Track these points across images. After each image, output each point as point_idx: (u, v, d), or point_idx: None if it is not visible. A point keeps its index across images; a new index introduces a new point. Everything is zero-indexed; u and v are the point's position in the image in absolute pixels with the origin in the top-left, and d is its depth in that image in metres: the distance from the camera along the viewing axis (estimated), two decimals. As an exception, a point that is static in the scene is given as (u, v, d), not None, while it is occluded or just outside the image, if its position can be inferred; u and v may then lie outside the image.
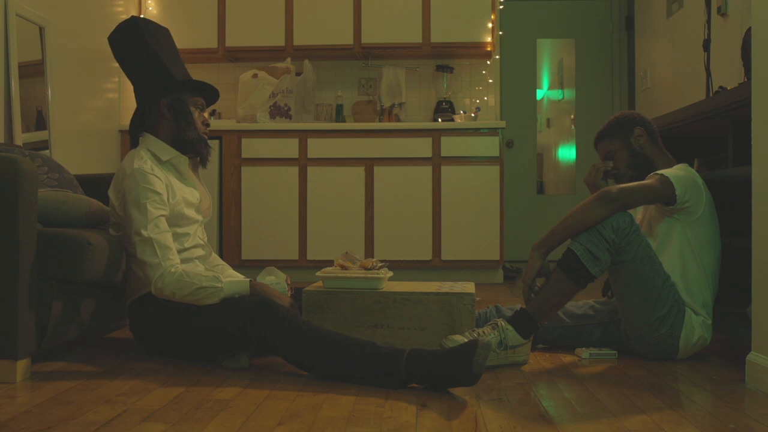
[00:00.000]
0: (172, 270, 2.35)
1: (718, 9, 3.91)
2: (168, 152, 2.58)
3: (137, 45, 2.57)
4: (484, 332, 2.39)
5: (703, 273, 2.49)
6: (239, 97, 5.06)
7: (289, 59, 5.10)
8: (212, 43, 5.09)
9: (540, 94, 6.29)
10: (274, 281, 2.63)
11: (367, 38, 5.08)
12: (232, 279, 2.43)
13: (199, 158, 2.66)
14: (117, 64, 4.74)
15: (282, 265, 4.80)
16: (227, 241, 4.80)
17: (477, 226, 4.76)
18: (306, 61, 5.14)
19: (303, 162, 4.82)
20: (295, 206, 4.80)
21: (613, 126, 2.71)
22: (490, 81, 5.40)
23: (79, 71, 4.29)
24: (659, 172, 2.50)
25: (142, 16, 5.04)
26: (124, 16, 4.89)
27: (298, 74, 5.14)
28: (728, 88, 2.76)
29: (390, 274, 2.71)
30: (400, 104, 5.26)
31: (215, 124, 4.92)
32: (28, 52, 3.64)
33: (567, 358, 2.57)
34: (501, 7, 5.31)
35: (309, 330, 2.25)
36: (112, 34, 2.63)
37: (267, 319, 2.27)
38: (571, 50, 6.20)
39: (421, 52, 5.19)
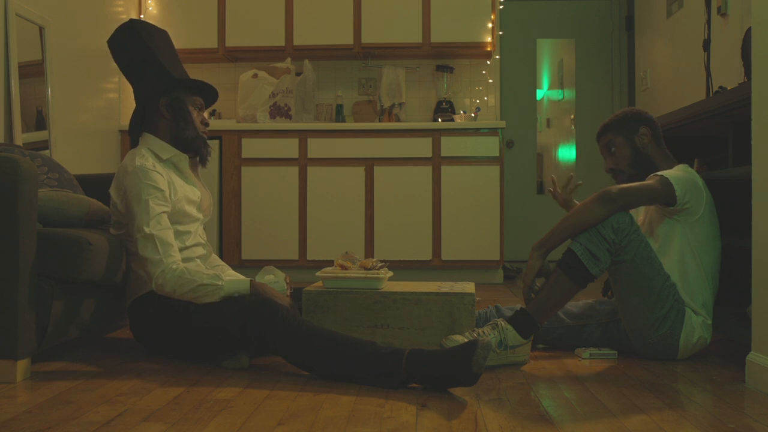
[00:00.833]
0: (174, 267, 2.36)
1: (718, 9, 3.91)
2: (168, 151, 2.59)
3: (135, 46, 2.59)
4: (484, 332, 2.39)
5: (703, 273, 2.49)
6: (239, 97, 5.06)
7: (289, 59, 5.10)
8: (212, 43, 5.09)
9: (540, 94, 6.29)
10: (273, 280, 2.63)
11: (367, 38, 5.08)
12: (232, 278, 2.44)
13: (198, 157, 2.67)
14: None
15: (282, 265, 4.79)
16: (227, 241, 4.80)
17: (477, 226, 4.76)
18: (306, 61, 5.14)
19: (303, 162, 4.82)
20: (295, 206, 4.80)
21: (619, 121, 2.71)
22: (490, 81, 5.40)
23: (79, 71, 4.29)
24: (659, 173, 2.50)
25: (141, 17, 5.06)
26: (125, 17, 4.90)
27: (298, 74, 5.14)
28: (728, 88, 2.76)
29: (390, 274, 2.71)
30: (400, 104, 5.26)
31: (215, 124, 4.92)
32: (28, 52, 3.64)
33: (567, 358, 2.57)
34: (501, 7, 5.30)
35: (309, 330, 2.26)
36: (111, 37, 2.64)
37: (267, 318, 2.27)
38: (571, 50, 6.20)
39: (421, 52, 5.19)
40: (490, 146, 4.77)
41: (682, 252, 2.49)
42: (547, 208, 6.05)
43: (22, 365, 2.22)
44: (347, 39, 5.09)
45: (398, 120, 5.22)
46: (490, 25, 5.05)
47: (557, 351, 2.68)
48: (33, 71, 3.70)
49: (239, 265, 4.73)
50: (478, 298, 2.66)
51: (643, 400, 2.03)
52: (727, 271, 2.62)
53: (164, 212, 2.45)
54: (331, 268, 2.70)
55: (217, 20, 5.11)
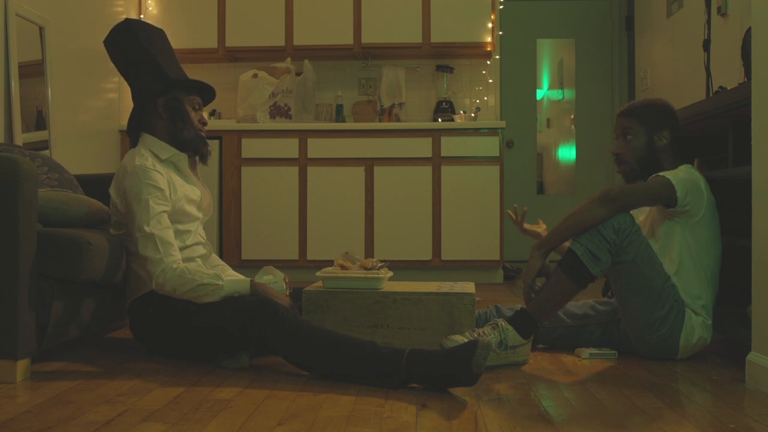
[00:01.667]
0: (174, 266, 2.36)
1: (718, 9, 3.91)
2: (167, 151, 2.59)
3: (131, 46, 2.59)
4: (484, 332, 2.39)
5: (703, 274, 2.49)
6: (239, 97, 5.06)
7: (289, 59, 5.10)
8: (212, 43, 5.09)
9: (540, 94, 6.29)
10: (272, 280, 2.63)
11: (367, 38, 5.08)
12: (233, 278, 2.44)
13: (198, 157, 2.67)
14: (117, 65, 4.77)
15: (282, 265, 4.78)
16: (227, 241, 4.80)
17: (477, 226, 4.76)
18: (306, 61, 5.14)
19: (303, 162, 4.82)
20: (295, 206, 4.80)
21: (649, 112, 2.65)
22: (490, 81, 5.40)
23: (79, 71, 4.29)
24: (661, 173, 2.50)
25: (141, 17, 5.06)
26: (125, 17, 4.88)
27: (298, 74, 5.14)
28: (728, 88, 2.76)
29: (390, 274, 2.71)
30: (400, 104, 5.26)
31: (215, 124, 4.92)
32: (28, 52, 3.64)
33: (567, 358, 2.57)
34: (501, 7, 5.30)
35: (309, 330, 2.26)
36: (107, 36, 2.64)
37: (267, 318, 2.27)
38: (571, 50, 6.20)
39: (421, 52, 5.19)
40: (490, 146, 4.77)
41: (681, 253, 2.49)
42: (547, 208, 6.05)
43: (22, 365, 2.22)
44: (347, 39, 5.09)
45: (398, 120, 5.22)
46: (490, 25, 5.05)
47: (557, 351, 2.67)
48: (33, 71, 3.70)
49: (239, 265, 4.73)
50: (478, 298, 2.66)
51: (643, 400, 2.03)
52: (727, 271, 2.62)
53: (164, 211, 2.45)
54: (331, 268, 2.70)
55: (217, 20, 5.11)
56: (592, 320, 2.66)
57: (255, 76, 5.01)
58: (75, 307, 2.43)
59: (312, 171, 4.82)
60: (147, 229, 2.39)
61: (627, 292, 2.47)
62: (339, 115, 5.27)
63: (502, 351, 2.39)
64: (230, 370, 2.36)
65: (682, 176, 2.48)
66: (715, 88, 3.13)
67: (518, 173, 6.11)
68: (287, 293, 2.62)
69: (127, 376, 2.28)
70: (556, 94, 6.32)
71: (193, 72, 4.89)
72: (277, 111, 5.03)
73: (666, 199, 2.45)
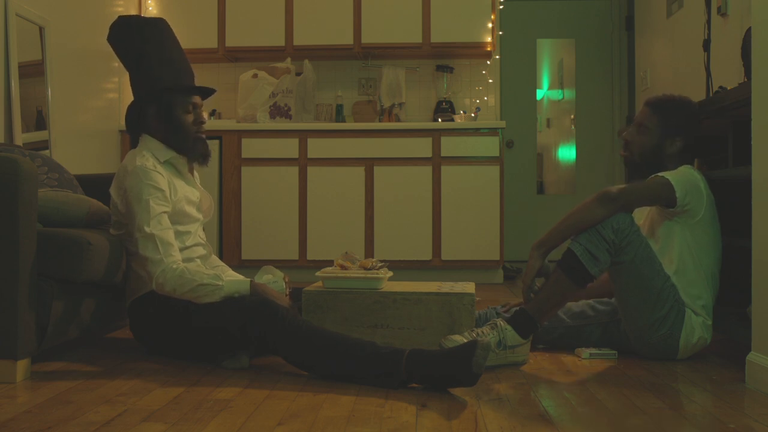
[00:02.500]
0: (174, 266, 2.36)
1: (718, 9, 3.91)
2: (165, 153, 2.58)
3: (127, 46, 2.59)
4: (483, 332, 2.39)
5: (702, 274, 2.49)
6: (239, 97, 5.06)
7: (289, 59, 5.10)
8: (212, 43, 5.09)
9: (540, 94, 6.29)
10: (272, 280, 2.63)
11: (367, 38, 5.08)
12: (232, 278, 2.43)
13: (196, 160, 2.65)
14: (117, 64, 4.76)
15: (282, 265, 4.77)
16: (227, 241, 4.80)
17: (477, 226, 4.76)
18: (306, 61, 5.14)
19: (303, 162, 4.82)
20: (295, 206, 4.80)
21: (671, 114, 2.63)
22: (490, 81, 5.40)
23: (79, 71, 4.29)
24: (661, 174, 2.50)
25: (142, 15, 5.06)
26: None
27: (298, 74, 5.14)
28: (728, 88, 2.76)
29: (390, 274, 2.71)
30: (400, 104, 5.26)
31: (215, 124, 4.92)
32: (28, 52, 3.63)
33: (567, 358, 2.57)
34: (501, 7, 5.30)
35: (309, 330, 2.26)
36: (109, 34, 2.63)
37: (267, 319, 2.27)
38: (571, 50, 6.20)
39: (421, 52, 5.19)
40: (490, 146, 4.77)
41: (681, 253, 2.49)
42: (547, 208, 6.05)
43: (22, 365, 2.22)
44: (347, 39, 5.09)
45: (398, 120, 5.22)
46: (490, 25, 5.05)
47: (557, 351, 2.67)
48: (33, 71, 3.69)
49: (239, 265, 4.73)
50: (478, 298, 2.66)
51: (643, 400, 2.03)
52: (727, 271, 2.62)
53: (165, 212, 2.45)
54: (331, 268, 2.70)
55: (217, 20, 5.11)
56: (592, 320, 2.66)
57: (255, 76, 5.01)
58: (75, 307, 2.43)
59: (312, 171, 4.82)
60: (147, 229, 2.38)
61: (626, 292, 2.47)
62: (339, 115, 5.27)
63: (501, 351, 2.39)
64: (230, 370, 2.36)
65: (682, 177, 2.48)
66: (715, 88, 3.13)
67: (518, 173, 6.11)
68: (287, 293, 2.62)
69: (127, 376, 2.28)
70: (556, 94, 6.32)
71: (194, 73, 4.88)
72: (277, 111, 5.02)
73: (665, 200, 2.45)
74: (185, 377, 2.26)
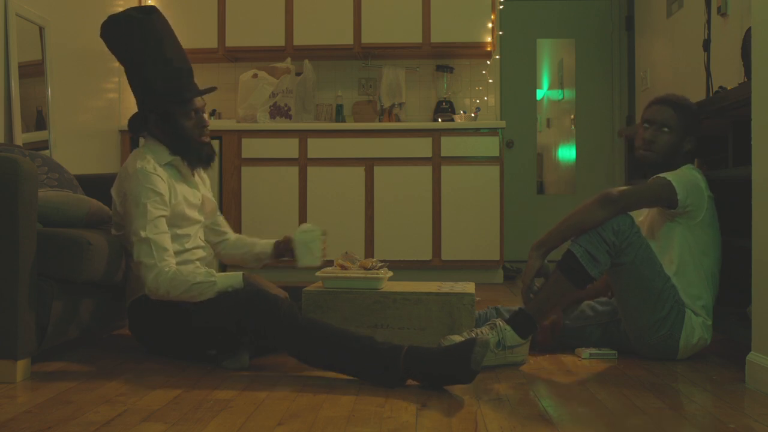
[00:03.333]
0: (166, 269, 2.34)
1: (718, 9, 3.91)
2: (165, 157, 2.55)
3: (122, 45, 2.51)
4: (482, 332, 2.39)
5: (703, 275, 2.49)
6: (239, 97, 5.06)
7: (289, 59, 5.10)
8: (212, 43, 5.09)
9: (540, 94, 6.29)
10: (309, 228, 2.70)
11: (367, 38, 5.08)
12: (225, 273, 2.42)
13: (199, 164, 2.62)
14: (117, 64, 4.76)
15: (282, 264, 4.78)
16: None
17: (477, 226, 4.76)
18: (306, 61, 5.14)
19: (303, 162, 4.82)
20: (295, 206, 4.80)
21: (690, 113, 2.62)
22: (490, 81, 5.40)
23: (79, 71, 4.29)
24: (662, 175, 2.49)
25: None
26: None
27: (298, 74, 5.14)
28: (728, 88, 2.76)
29: (390, 274, 2.71)
30: (400, 104, 5.26)
31: (215, 124, 4.92)
32: (28, 52, 3.63)
33: (567, 358, 2.57)
34: (501, 7, 5.30)
35: (306, 321, 2.26)
36: (101, 32, 2.53)
37: (263, 309, 2.26)
38: (571, 50, 6.19)
39: (421, 52, 5.19)
40: (490, 146, 4.77)
41: (682, 254, 2.49)
42: (547, 208, 6.05)
43: (22, 365, 2.22)
44: (347, 39, 5.09)
45: (398, 120, 5.22)
46: (490, 25, 5.05)
47: (557, 351, 2.67)
48: (33, 71, 3.69)
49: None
50: (478, 298, 2.66)
51: (643, 400, 2.03)
52: (727, 271, 2.62)
53: (162, 216, 2.43)
54: (331, 268, 2.70)
55: (217, 20, 5.11)
56: (592, 320, 2.66)
57: (255, 76, 5.01)
58: (75, 307, 2.43)
59: (312, 171, 4.82)
60: (143, 233, 2.36)
61: (627, 293, 2.47)
62: (339, 115, 5.27)
63: (500, 351, 2.39)
64: (230, 370, 2.36)
65: (683, 177, 2.48)
66: (715, 88, 3.13)
67: (518, 173, 6.11)
68: (323, 248, 2.64)
69: (127, 376, 2.28)
70: (556, 94, 6.32)
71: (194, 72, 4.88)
72: (277, 111, 5.02)
73: (666, 201, 2.45)
74: (185, 377, 2.26)
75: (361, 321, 2.56)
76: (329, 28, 5.08)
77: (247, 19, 5.09)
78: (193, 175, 2.67)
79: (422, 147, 4.78)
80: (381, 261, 2.74)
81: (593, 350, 2.57)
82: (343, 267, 2.66)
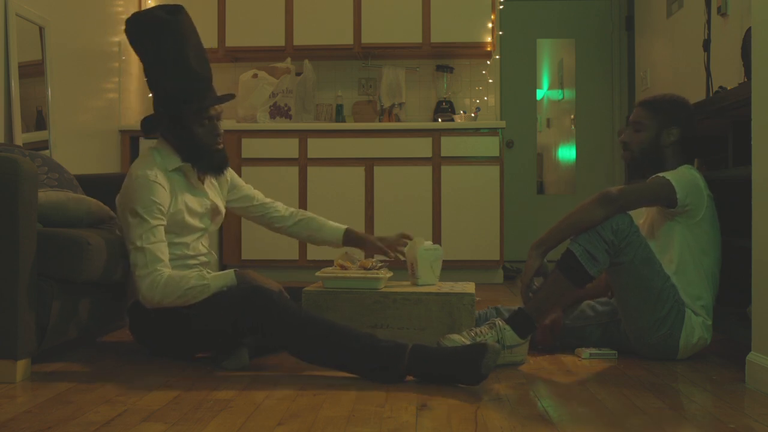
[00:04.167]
0: (158, 278, 2.31)
1: (718, 9, 3.91)
2: (174, 162, 2.50)
3: (143, 45, 2.46)
4: (481, 332, 2.38)
5: (703, 275, 2.49)
6: (239, 97, 5.06)
7: (289, 59, 5.10)
8: (212, 43, 5.09)
9: (540, 94, 6.29)
10: (432, 247, 2.81)
11: (367, 38, 5.08)
12: (217, 273, 2.40)
13: (211, 172, 2.57)
14: (117, 64, 4.77)
15: (282, 265, 4.80)
16: (227, 240, 4.80)
17: (477, 226, 4.76)
18: (306, 61, 5.14)
19: (303, 162, 4.82)
20: (294, 206, 4.77)
21: (663, 106, 2.63)
22: (490, 81, 5.40)
23: (79, 71, 4.29)
24: (661, 174, 2.49)
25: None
26: (124, 17, 4.87)
27: (298, 74, 5.14)
28: (728, 88, 2.76)
29: (390, 274, 2.71)
30: (400, 104, 5.26)
31: (215, 124, 4.91)
32: (28, 52, 3.63)
33: (567, 358, 2.57)
34: (501, 7, 5.30)
35: (305, 316, 2.25)
36: (125, 29, 2.48)
37: (260, 304, 2.25)
38: (571, 50, 6.20)
39: (421, 52, 5.19)
40: (490, 146, 4.77)
41: (682, 253, 2.49)
42: (547, 208, 6.05)
43: (22, 365, 2.22)
44: (347, 39, 5.09)
45: (398, 120, 5.22)
46: (490, 25, 5.05)
47: (557, 351, 2.67)
48: (33, 71, 3.69)
49: (239, 264, 4.73)
50: (478, 298, 2.66)
51: (643, 400, 2.03)
52: (727, 271, 2.62)
53: (159, 225, 2.39)
54: (330, 268, 2.70)
55: (217, 20, 5.11)
56: (592, 320, 2.66)
57: (255, 76, 5.01)
58: (75, 307, 2.43)
59: (312, 171, 4.82)
60: (139, 243, 2.34)
61: (626, 292, 2.47)
62: (339, 115, 5.27)
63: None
64: (230, 370, 2.36)
65: (682, 176, 2.48)
66: (715, 88, 3.13)
67: (518, 173, 6.11)
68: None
69: (127, 376, 2.28)
70: (556, 94, 6.32)
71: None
72: (277, 111, 5.02)
73: (666, 200, 2.45)
74: (185, 377, 2.26)
75: (361, 321, 2.56)
76: (329, 28, 5.08)
77: (247, 19, 5.09)
78: (202, 182, 2.61)
79: (422, 147, 4.78)
80: (381, 261, 2.74)
81: (593, 350, 2.57)
82: (343, 267, 2.67)
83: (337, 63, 5.41)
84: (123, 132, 4.83)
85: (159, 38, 2.42)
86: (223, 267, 4.85)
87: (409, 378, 2.18)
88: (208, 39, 5.08)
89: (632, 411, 1.93)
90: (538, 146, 6.26)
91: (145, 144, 4.78)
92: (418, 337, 2.54)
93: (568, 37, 6.19)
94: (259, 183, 4.76)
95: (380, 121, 5.21)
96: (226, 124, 4.90)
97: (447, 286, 2.69)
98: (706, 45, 3.50)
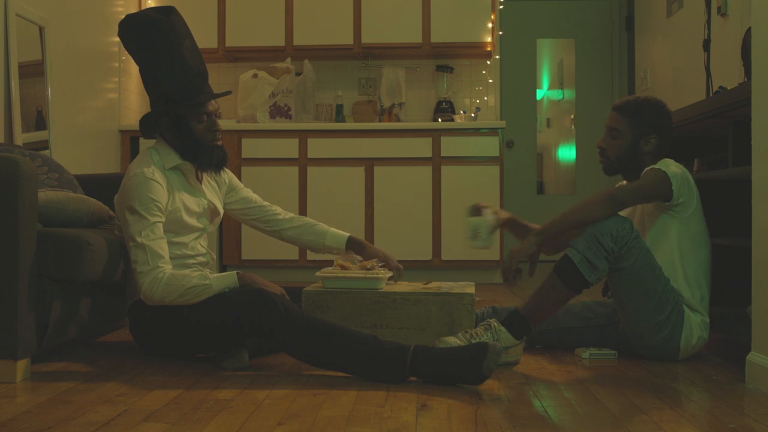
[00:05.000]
0: (160, 276, 2.31)
1: (718, 9, 3.91)
2: (173, 160, 2.51)
3: (137, 46, 2.49)
4: (477, 333, 2.38)
5: (700, 267, 2.49)
6: (239, 97, 5.06)
7: (289, 59, 5.10)
8: (212, 43, 5.09)
9: (540, 94, 6.29)
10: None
11: (367, 38, 5.08)
12: (219, 274, 2.41)
13: (210, 168, 2.57)
14: (117, 64, 4.77)
15: (282, 265, 4.80)
16: (227, 240, 4.80)
17: (477, 226, 4.75)
18: (306, 61, 5.14)
19: (303, 162, 4.82)
20: (294, 206, 4.80)
21: (640, 114, 2.62)
22: (490, 81, 5.40)
23: (79, 71, 4.29)
24: (655, 166, 2.48)
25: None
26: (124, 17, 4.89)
27: (298, 74, 5.14)
28: (728, 88, 2.76)
29: (389, 274, 2.71)
30: (400, 104, 5.25)
31: (215, 124, 4.91)
32: (28, 52, 3.63)
33: (567, 358, 2.57)
34: (501, 7, 5.30)
35: (308, 320, 2.25)
36: (118, 31, 2.52)
37: (263, 309, 2.25)
38: (571, 50, 6.20)
39: (421, 52, 5.19)
40: (490, 146, 4.77)
41: (680, 246, 2.48)
42: (547, 208, 6.04)
43: (22, 365, 2.22)
44: (347, 39, 5.09)
45: (398, 120, 5.22)
46: (490, 25, 5.05)
47: (557, 351, 2.67)
48: (33, 71, 3.69)
49: (239, 265, 4.73)
50: (477, 298, 2.66)
51: (643, 400, 2.03)
52: (727, 271, 2.62)
53: (158, 222, 2.39)
54: (330, 268, 2.70)
55: (217, 20, 5.11)
56: (592, 321, 2.66)
57: (255, 76, 5.01)
58: (75, 307, 2.43)
59: (312, 171, 4.82)
60: (139, 239, 2.34)
61: (627, 296, 2.46)
62: (339, 115, 5.27)
63: None
64: (230, 370, 2.36)
65: (674, 169, 2.47)
66: (715, 88, 3.13)
67: (518, 173, 6.11)
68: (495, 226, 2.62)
69: (127, 376, 2.28)
70: (556, 94, 6.32)
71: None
72: (277, 111, 5.02)
73: (663, 195, 2.45)
74: (185, 377, 2.26)
75: (361, 321, 2.56)
76: (329, 28, 5.08)
77: (247, 19, 5.09)
78: (200, 181, 2.62)
79: (422, 147, 4.78)
80: (381, 261, 2.74)
81: (593, 350, 2.57)
82: (343, 267, 2.66)
83: (337, 63, 5.41)
84: (123, 132, 4.83)
85: (154, 37, 2.44)
86: (223, 267, 4.86)
87: (412, 379, 2.18)
88: (208, 39, 5.09)
89: (632, 411, 1.93)
90: (538, 146, 6.26)
91: (145, 144, 4.79)
92: (418, 337, 2.54)
93: (568, 37, 6.19)
94: (258, 183, 4.79)
95: (380, 121, 5.21)
96: (226, 124, 4.92)
97: (447, 286, 2.69)
98: (706, 45, 3.50)
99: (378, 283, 2.60)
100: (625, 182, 2.72)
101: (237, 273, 2.42)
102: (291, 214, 2.89)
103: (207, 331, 2.36)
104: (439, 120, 5.08)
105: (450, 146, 4.78)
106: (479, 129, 4.79)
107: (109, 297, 2.64)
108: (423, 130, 4.81)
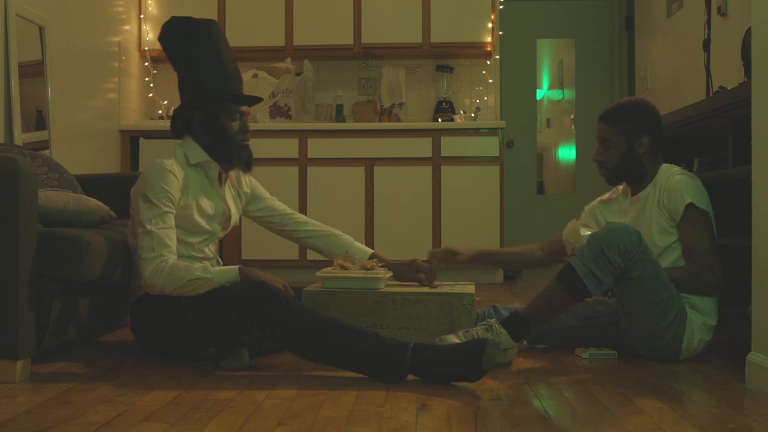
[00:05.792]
0: (163, 264, 2.33)
1: (718, 9, 3.91)
2: (198, 156, 2.52)
3: (178, 47, 2.56)
4: (477, 333, 2.38)
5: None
6: (239, 97, 5.05)
7: (289, 59, 5.10)
8: (212, 43, 5.08)
9: (540, 94, 6.29)
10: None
11: (367, 38, 5.08)
12: (221, 268, 2.41)
13: (238, 167, 2.60)
14: (117, 64, 4.77)
15: (282, 265, 4.80)
16: (227, 240, 4.80)
17: (477, 226, 4.76)
18: (306, 61, 5.14)
19: (303, 162, 4.82)
20: (295, 206, 4.79)
21: (625, 118, 2.60)
22: (490, 81, 5.40)
23: (79, 71, 4.29)
24: (686, 200, 2.48)
25: (141, 17, 5.05)
26: (124, 17, 4.90)
27: (298, 74, 5.14)
28: (728, 88, 2.76)
29: (390, 274, 2.71)
30: (400, 104, 5.26)
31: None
32: (28, 52, 3.63)
33: (567, 358, 2.57)
34: (501, 7, 5.31)
35: (309, 315, 2.25)
36: (159, 34, 2.63)
37: (265, 302, 2.25)
38: (571, 50, 6.20)
39: (421, 52, 5.19)
40: (490, 146, 4.77)
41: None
42: (547, 208, 6.05)
43: (22, 365, 2.22)
44: (347, 39, 5.09)
45: (398, 120, 5.22)
46: (490, 25, 5.05)
47: (557, 351, 2.67)
48: (33, 71, 3.69)
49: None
50: (477, 298, 2.66)
51: (643, 400, 2.03)
52: (727, 271, 2.62)
53: (169, 213, 2.41)
54: (330, 268, 2.70)
55: (217, 20, 5.09)
56: (592, 321, 2.66)
57: (255, 76, 5.01)
58: (75, 307, 2.43)
59: (312, 171, 4.82)
60: (148, 226, 2.36)
61: (631, 303, 2.43)
62: (339, 115, 5.27)
63: None
64: (230, 370, 2.36)
65: (698, 192, 2.50)
66: (715, 88, 3.13)
67: (518, 173, 6.11)
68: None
69: (127, 376, 2.28)
70: (556, 94, 6.32)
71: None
72: (277, 111, 5.03)
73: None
74: (185, 377, 2.26)
75: (361, 321, 2.56)
76: (329, 28, 5.08)
77: (247, 19, 5.10)
78: (221, 184, 2.62)
79: (422, 147, 4.79)
80: (381, 262, 2.74)
81: (593, 350, 2.57)
82: (342, 267, 2.66)
83: (337, 63, 5.41)
84: (123, 132, 4.83)
85: (197, 36, 2.58)
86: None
87: (411, 377, 2.18)
88: (208, 39, 5.08)
89: (632, 411, 1.93)
90: (538, 146, 6.26)
91: (145, 144, 4.79)
92: (418, 337, 2.54)
93: (568, 37, 6.19)
94: (259, 183, 4.79)
95: (380, 121, 5.21)
96: (226, 124, 4.91)
97: (447, 286, 2.69)
98: (706, 45, 3.50)
99: (378, 283, 2.60)
100: (614, 192, 2.74)
101: (239, 267, 2.42)
102: (314, 223, 2.90)
103: (206, 327, 2.35)
104: (439, 120, 5.08)
105: (450, 146, 4.78)
106: (479, 129, 4.79)
107: (109, 297, 2.64)
108: (423, 130, 4.81)
